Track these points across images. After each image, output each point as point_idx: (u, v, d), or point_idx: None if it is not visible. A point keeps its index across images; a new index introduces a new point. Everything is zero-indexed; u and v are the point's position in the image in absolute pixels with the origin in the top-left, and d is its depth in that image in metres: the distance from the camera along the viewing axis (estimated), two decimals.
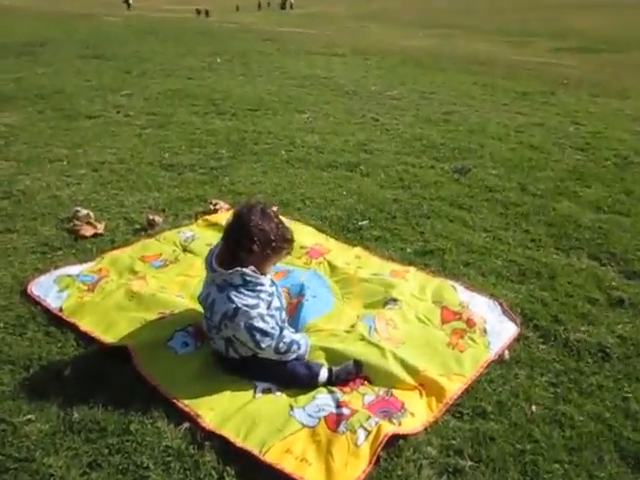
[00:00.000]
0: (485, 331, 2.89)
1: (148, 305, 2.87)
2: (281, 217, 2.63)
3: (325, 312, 2.98)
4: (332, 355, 2.58)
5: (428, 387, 2.45)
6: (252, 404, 2.30)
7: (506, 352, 2.77)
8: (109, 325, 2.73)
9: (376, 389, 2.43)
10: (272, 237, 2.38)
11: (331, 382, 2.44)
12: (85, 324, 2.74)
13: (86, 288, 3.06)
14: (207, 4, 25.31)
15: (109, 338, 2.65)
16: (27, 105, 7.48)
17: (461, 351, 2.73)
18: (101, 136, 6.19)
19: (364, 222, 4.23)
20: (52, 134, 6.20)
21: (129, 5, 23.91)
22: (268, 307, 2.41)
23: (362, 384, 2.46)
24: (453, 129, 7.24)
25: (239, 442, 2.12)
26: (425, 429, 2.27)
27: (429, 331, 2.89)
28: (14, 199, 4.39)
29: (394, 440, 2.17)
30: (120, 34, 15.08)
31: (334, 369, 2.48)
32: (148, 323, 2.73)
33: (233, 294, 2.32)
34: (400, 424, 2.23)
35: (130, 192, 4.63)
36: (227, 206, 4.28)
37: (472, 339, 2.83)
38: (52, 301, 2.93)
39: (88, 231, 3.77)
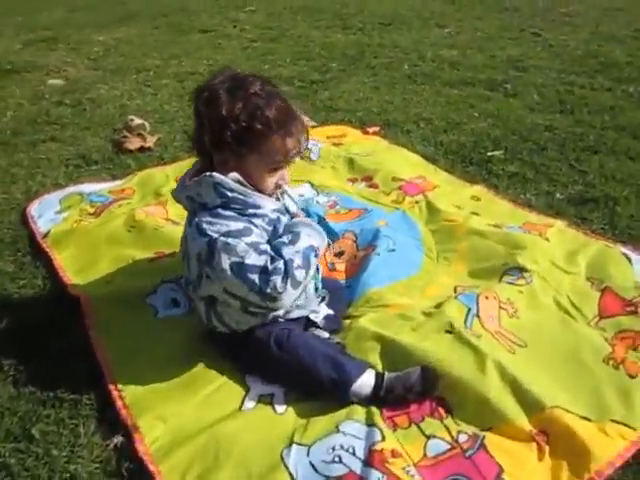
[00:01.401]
0: None
1: (148, 240, 2.04)
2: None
3: (403, 277, 1.91)
4: (391, 351, 1.54)
5: (556, 438, 1.31)
6: (230, 424, 1.35)
7: None
8: (88, 264, 1.96)
9: (454, 429, 1.34)
10: (246, 114, 1.33)
11: (378, 397, 1.41)
12: (62, 258, 1.99)
13: (92, 211, 2.32)
14: None
15: (77, 281, 1.86)
16: (146, 21, 7.09)
17: (632, 376, 1.51)
18: (204, 48, 5.51)
19: (497, 152, 2.98)
20: (155, 46, 5.66)
21: None
22: (271, 241, 1.42)
23: (431, 414, 1.39)
24: None
25: None
26: None
27: (576, 330, 1.69)
28: (80, 107, 3.83)
29: None
30: None
31: (387, 375, 1.44)
32: (133, 265, 1.90)
33: (204, 220, 1.37)
34: None
35: None
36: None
37: None
38: (43, 224, 2.24)
39: (134, 144, 3.04)
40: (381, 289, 1.82)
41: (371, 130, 3.24)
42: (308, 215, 2.25)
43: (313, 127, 3.29)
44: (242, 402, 1.42)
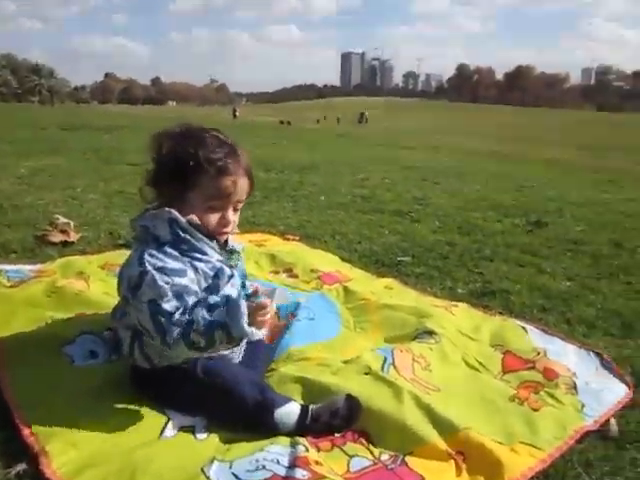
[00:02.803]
0: (575, 388, 1.79)
1: (69, 304, 2.01)
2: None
3: (323, 339, 1.99)
4: (313, 390, 1.57)
5: (472, 457, 1.37)
6: (147, 449, 1.30)
7: (613, 422, 1.64)
8: (1, 323, 1.87)
9: (377, 451, 1.37)
10: (182, 152, 1.45)
11: (304, 425, 1.42)
12: None
13: (9, 284, 2.26)
14: (291, 118, 33.13)
15: None
16: (75, 154, 7.37)
17: (535, 409, 1.63)
18: (132, 174, 5.74)
19: (405, 258, 3.27)
20: (84, 172, 5.87)
21: (235, 115, 33.67)
22: (208, 289, 1.48)
23: (354, 439, 1.41)
24: (528, 194, 6.30)
25: None
26: None
27: (483, 379, 1.82)
28: (1, 211, 3.81)
29: None
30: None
31: (312, 406, 1.46)
32: (52, 321, 1.85)
33: (147, 252, 1.43)
34: None
35: (132, 213, 3.95)
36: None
37: (553, 396, 1.73)
38: None
39: (57, 237, 3.06)
40: (302, 347, 1.88)
41: (291, 237, 3.48)
42: None
43: (237, 233, 3.48)
44: (161, 431, 1.37)
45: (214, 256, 1.52)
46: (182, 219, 1.46)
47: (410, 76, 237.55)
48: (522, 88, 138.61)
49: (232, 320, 1.31)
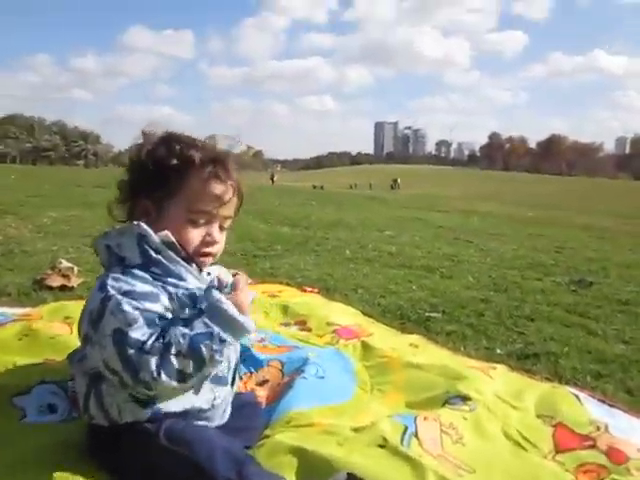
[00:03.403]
0: None
1: (39, 348, 1.74)
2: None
3: (332, 402, 1.65)
4: (311, 465, 1.23)
5: None
6: None
7: None
8: None
9: None
10: (163, 152, 1.22)
11: None
12: None
13: None
14: (325, 184, 34.17)
15: None
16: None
17: None
18: None
19: (435, 314, 2.93)
20: (108, 222, 5.73)
21: (273, 181, 34.57)
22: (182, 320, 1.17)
23: None
24: (568, 254, 5.89)
25: None
26: None
27: (530, 460, 1.44)
28: (10, 255, 3.70)
29: None
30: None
31: None
32: (11, 367, 1.58)
33: (111, 276, 1.15)
34: None
35: None
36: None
37: None
38: None
39: (56, 281, 2.85)
40: (305, 410, 1.55)
41: (309, 289, 3.18)
42: None
43: (250, 284, 3.21)
44: None
45: (192, 282, 1.24)
46: (154, 236, 1.19)
47: (442, 144, 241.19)
48: (555, 157, 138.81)
49: (218, 317, 1.12)
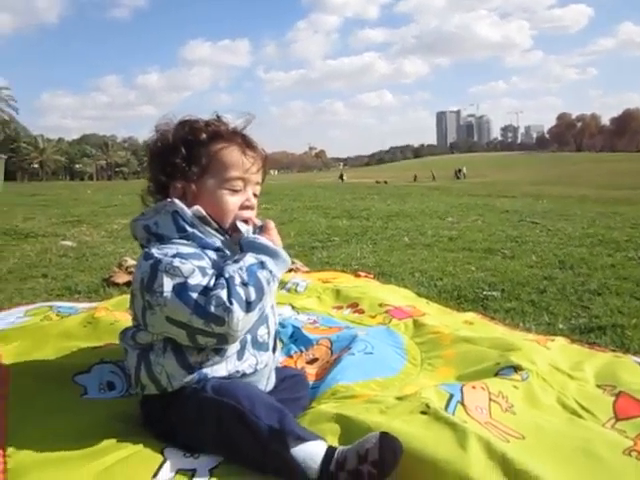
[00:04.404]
0: None
1: (101, 334, 1.84)
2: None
3: (378, 376, 1.65)
4: (353, 431, 1.23)
5: None
6: None
7: None
8: (28, 351, 1.73)
9: None
10: (193, 131, 1.30)
11: (327, 472, 1.09)
12: (4, 350, 1.78)
13: (58, 318, 2.16)
14: (388, 178, 34.53)
15: (7, 361, 1.64)
16: None
17: None
18: None
19: (494, 292, 2.85)
20: None
21: (342, 179, 35.73)
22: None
23: None
24: None
25: None
26: None
27: (587, 427, 1.38)
28: (82, 258, 3.94)
29: None
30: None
31: (340, 448, 1.13)
32: (75, 350, 1.69)
33: (154, 246, 1.22)
34: None
35: None
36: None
37: None
38: None
39: (122, 278, 3.01)
40: (352, 384, 1.56)
41: (363, 274, 3.18)
42: (282, 326, 2.09)
43: (305, 272, 3.26)
44: (154, 475, 1.10)
45: (226, 251, 1.29)
46: (187, 211, 1.25)
47: (509, 129, 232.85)
48: (632, 133, 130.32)
49: (260, 250, 1.22)
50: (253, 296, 1.15)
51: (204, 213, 1.27)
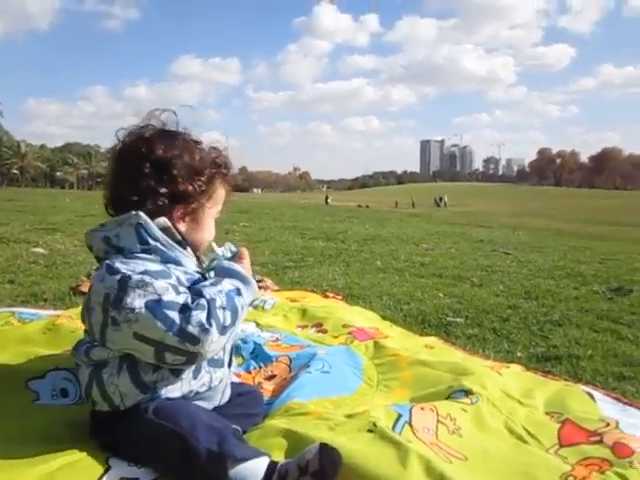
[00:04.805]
0: None
1: (61, 341, 1.83)
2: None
3: (335, 395, 1.67)
4: (299, 445, 1.25)
5: None
6: None
7: None
8: None
9: None
10: (204, 160, 1.31)
11: None
12: None
13: (19, 324, 2.14)
14: (371, 203, 34.65)
15: None
16: None
17: None
18: None
19: (457, 319, 2.90)
20: None
21: (327, 202, 33.88)
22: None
23: None
24: (612, 265, 5.68)
25: None
26: None
27: (530, 452, 1.42)
28: (52, 266, 3.89)
29: None
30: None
31: (281, 463, 1.15)
32: (32, 357, 1.68)
33: (117, 260, 1.20)
34: None
35: None
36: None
37: (624, 477, 1.29)
38: None
39: (88, 288, 2.96)
40: (304, 401, 1.58)
41: (331, 295, 3.21)
42: (244, 342, 2.11)
43: (275, 290, 3.28)
44: None
45: (189, 267, 1.30)
46: (152, 224, 1.24)
47: (491, 161, 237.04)
48: (609, 170, 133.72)
49: (235, 278, 1.26)
50: (229, 320, 1.18)
51: (169, 224, 1.26)
